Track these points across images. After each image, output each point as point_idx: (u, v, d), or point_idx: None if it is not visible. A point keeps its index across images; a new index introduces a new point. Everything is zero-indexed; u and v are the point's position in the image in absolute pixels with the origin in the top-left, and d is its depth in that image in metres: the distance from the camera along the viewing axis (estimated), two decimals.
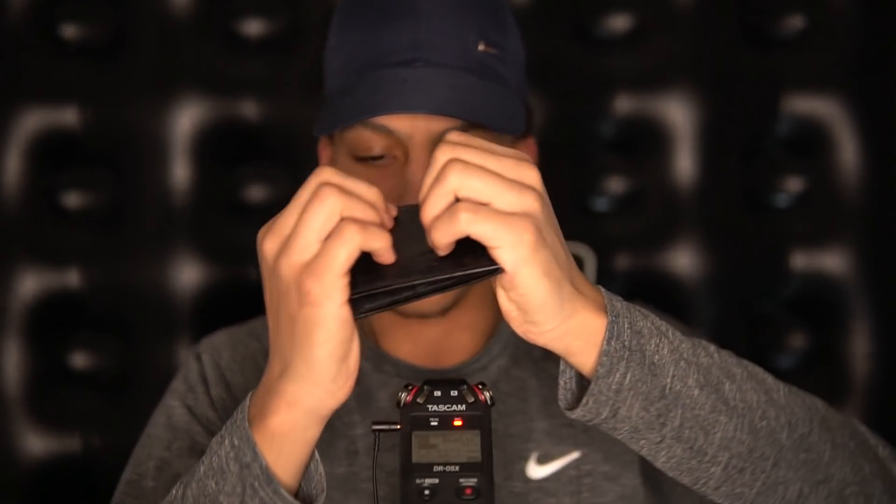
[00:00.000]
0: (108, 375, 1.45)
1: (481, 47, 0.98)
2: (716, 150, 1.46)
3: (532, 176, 0.70)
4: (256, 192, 1.45)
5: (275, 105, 1.46)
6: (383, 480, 0.93)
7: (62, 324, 1.45)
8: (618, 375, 0.73)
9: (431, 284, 0.70)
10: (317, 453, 0.75)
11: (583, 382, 0.76)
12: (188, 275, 1.46)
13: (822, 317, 1.45)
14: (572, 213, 1.47)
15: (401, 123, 0.95)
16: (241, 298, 1.45)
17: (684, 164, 1.46)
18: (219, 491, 0.74)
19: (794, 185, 1.45)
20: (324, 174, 0.72)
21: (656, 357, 0.74)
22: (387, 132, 0.96)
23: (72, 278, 1.45)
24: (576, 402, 0.76)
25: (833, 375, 1.45)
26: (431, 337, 1.05)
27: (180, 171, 1.46)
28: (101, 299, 1.45)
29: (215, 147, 1.46)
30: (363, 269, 0.69)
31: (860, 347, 1.44)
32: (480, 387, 0.74)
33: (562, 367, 0.76)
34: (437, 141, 0.94)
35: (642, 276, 1.46)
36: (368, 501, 0.96)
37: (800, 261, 1.45)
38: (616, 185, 1.46)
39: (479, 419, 0.72)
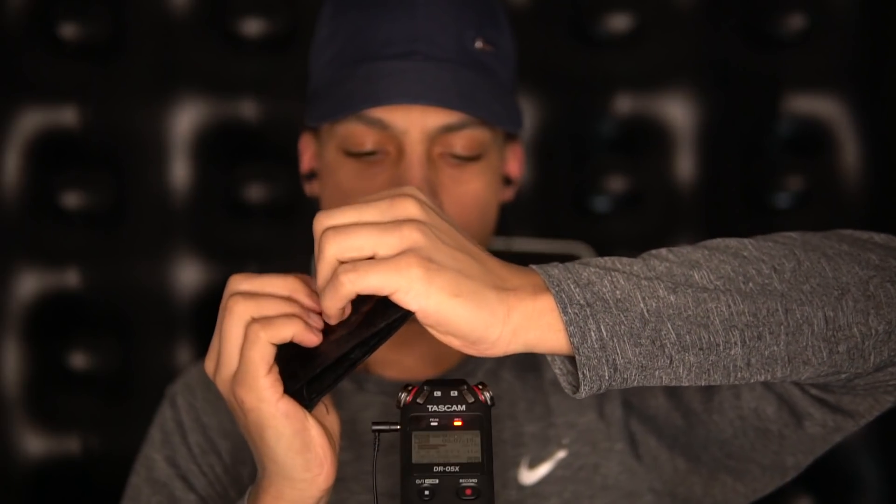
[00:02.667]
0: (108, 376, 1.45)
1: (479, 44, 0.96)
2: (716, 149, 1.46)
3: (408, 206, 0.68)
4: (256, 192, 1.45)
5: (274, 104, 1.46)
6: (381, 483, 0.93)
7: (61, 324, 1.45)
8: (593, 333, 0.69)
9: (359, 349, 0.71)
10: None
11: (571, 359, 0.73)
12: (187, 275, 1.45)
13: None
14: (572, 213, 1.47)
15: (397, 117, 0.93)
16: None
17: (684, 164, 1.46)
18: None
19: (794, 184, 1.45)
20: (233, 283, 0.73)
21: (617, 293, 0.70)
22: (381, 126, 0.93)
23: (71, 278, 1.44)
24: (575, 380, 0.74)
25: None
26: (414, 349, 1.02)
27: (179, 171, 1.45)
28: (101, 299, 1.45)
29: (214, 147, 1.46)
30: (299, 357, 0.71)
31: None
32: (480, 387, 0.74)
33: (548, 358, 0.74)
34: (433, 137, 0.93)
35: None
36: None
37: None
38: (616, 185, 1.46)
39: (479, 419, 0.72)
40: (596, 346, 0.69)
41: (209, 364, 0.73)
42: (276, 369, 0.71)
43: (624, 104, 1.46)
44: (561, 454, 0.98)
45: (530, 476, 0.98)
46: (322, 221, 0.69)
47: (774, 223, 1.45)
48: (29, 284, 1.44)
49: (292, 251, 1.44)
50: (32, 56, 1.44)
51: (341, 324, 0.71)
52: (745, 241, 0.80)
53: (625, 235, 1.46)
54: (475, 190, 0.96)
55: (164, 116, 1.45)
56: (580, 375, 0.70)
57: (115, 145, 1.46)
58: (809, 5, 1.45)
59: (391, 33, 0.94)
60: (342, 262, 0.67)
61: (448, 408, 0.73)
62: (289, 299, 0.72)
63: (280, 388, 0.70)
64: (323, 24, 1.01)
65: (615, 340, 0.70)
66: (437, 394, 0.73)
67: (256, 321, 0.70)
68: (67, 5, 1.44)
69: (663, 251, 0.75)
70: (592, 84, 1.47)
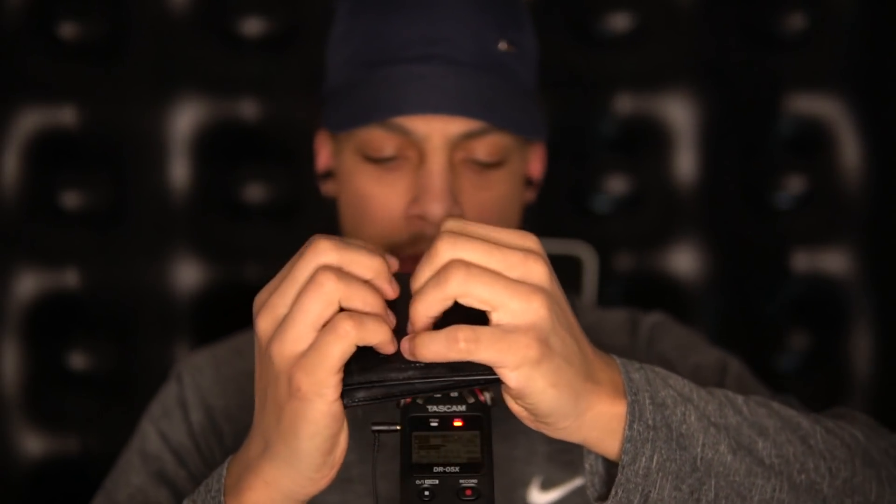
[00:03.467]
0: (106, 376, 1.45)
1: (503, 46, 0.93)
2: (716, 149, 1.46)
3: (539, 271, 0.65)
4: (255, 192, 1.45)
5: (273, 104, 1.46)
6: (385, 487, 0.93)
7: (60, 324, 1.45)
8: (644, 459, 0.68)
9: (429, 384, 0.67)
10: None
11: (607, 463, 0.72)
12: (187, 275, 1.45)
13: (823, 317, 1.45)
14: (572, 213, 1.47)
15: (418, 124, 0.91)
16: (239, 298, 1.44)
17: (685, 163, 1.46)
18: None
19: (795, 184, 1.45)
20: (321, 249, 0.67)
21: (683, 427, 0.68)
22: (402, 132, 0.91)
23: (70, 278, 1.44)
24: (602, 485, 0.72)
25: (834, 376, 1.44)
26: None
27: (179, 171, 1.45)
28: (100, 299, 1.44)
29: (214, 146, 1.46)
30: (358, 356, 0.67)
31: (861, 348, 1.44)
32: (480, 388, 0.74)
33: (584, 451, 0.72)
34: (454, 143, 0.91)
35: (642, 277, 1.45)
36: None
37: (801, 261, 1.45)
38: (616, 184, 1.46)
39: (480, 420, 0.72)
40: (641, 472, 0.68)
41: (265, 323, 0.67)
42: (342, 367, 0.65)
43: (624, 104, 1.46)
44: (578, 482, 0.95)
45: (541, 498, 0.95)
46: (450, 247, 0.64)
47: (775, 223, 1.45)
48: (28, 284, 1.44)
49: (292, 251, 1.44)
50: (32, 56, 1.44)
51: (404, 331, 0.67)
52: (817, 426, 0.75)
53: (625, 235, 1.46)
54: (498, 196, 0.95)
55: (163, 116, 1.45)
56: (612, 491, 0.69)
57: (115, 145, 1.45)
58: (809, 5, 1.45)
59: (410, 34, 0.92)
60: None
61: (448, 408, 0.72)
62: (370, 283, 0.66)
63: (340, 388, 0.65)
64: (340, 20, 0.98)
65: (660, 475, 0.68)
66: (437, 394, 0.73)
67: (347, 314, 0.64)
68: (67, 5, 1.44)
69: (740, 399, 0.73)
70: (593, 83, 1.47)
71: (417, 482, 0.69)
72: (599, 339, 0.99)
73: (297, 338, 0.65)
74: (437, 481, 0.69)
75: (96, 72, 1.45)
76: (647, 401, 0.68)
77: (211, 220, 1.46)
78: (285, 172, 1.46)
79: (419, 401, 0.72)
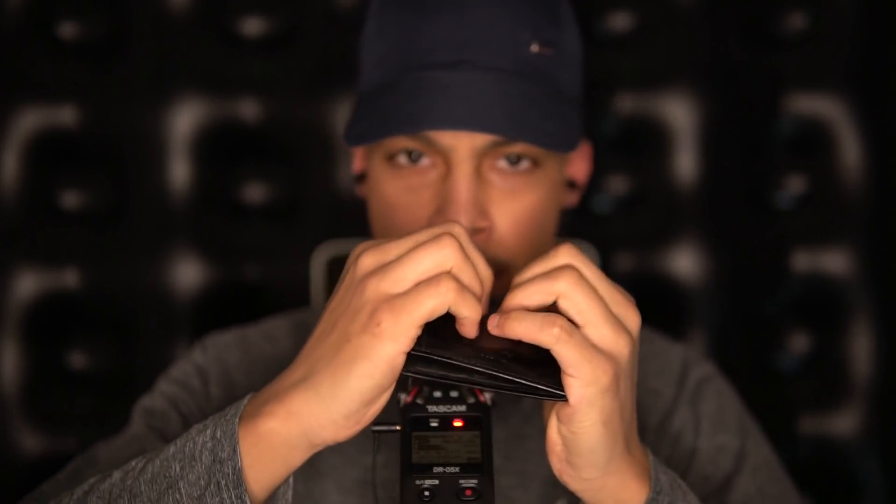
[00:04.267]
0: (106, 376, 1.45)
1: (535, 48, 0.89)
2: (717, 149, 1.46)
3: (633, 321, 0.68)
4: (255, 192, 1.45)
5: (274, 104, 1.46)
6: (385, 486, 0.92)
7: (60, 324, 1.45)
8: None
9: (490, 379, 0.68)
10: (291, 480, 0.72)
11: None
12: (187, 275, 1.45)
13: (823, 317, 1.45)
14: (572, 212, 1.46)
15: (443, 136, 0.88)
16: (240, 298, 1.45)
17: (685, 163, 1.46)
18: (181, 476, 0.69)
19: (795, 184, 1.44)
20: (456, 228, 0.69)
21: None
22: (427, 143, 0.88)
23: (70, 278, 1.44)
24: None
25: (834, 376, 1.44)
26: None
27: (179, 171, 1.45)
28: (99, 299, 1.44)
29: (214, 147, 1.46)
30: (433, 330, 0.68)
31: (861, 348, 1.43)
32: (480, 388, 0.73)
33: None
34: (481, 154, 0.88)
35: (643, 277, 1.45)
36: None
37: (801, 261, 1.45)
38: (617, 184, 1.45)
39: (480, 420, 0.72)
40: None
41: (370, 259, 0.68)
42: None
43: (624, 104, 1.46)
44: None
45: None
46: (570, 255, 0.69)
47: (776, 223, 1.45)
48: (28, 284, 1.44)
49: (292, 251, 1.44)
50: (32, 56, 1.44)
51: (490, 325, 0.69)
52: None
53: (625, 235, 1.46)
54: (530, 203, 0.91)
55: (163, 116, 1.45)
56: None
57: (115, 145, 1.45)
58: (809, 5, 1.45)
59: (439, 38, 0.88)
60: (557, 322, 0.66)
61: (448, 408, 0.72)
62: (480, 281, 0.69)
63: (411, 344, 0.66)
64: (372, 16, 0.94)
65: None
66: (437, 394, 0.73)
67: (455, 280, 0.66)
68: (67, 5, 1.44)
69: None
70: (593, 83, 1.46)
71: (417, 482, 0.69)
72: (649, 379, 0.99)
73: (398, 279, 0.66)
74: (437, 481, 0.69)
75: (96, 72, 1.45)
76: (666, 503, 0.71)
77: (211, 220, 1.46)
78: (285, 172, 1.46)
79: (419, 401, 0.72)
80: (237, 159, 1.46)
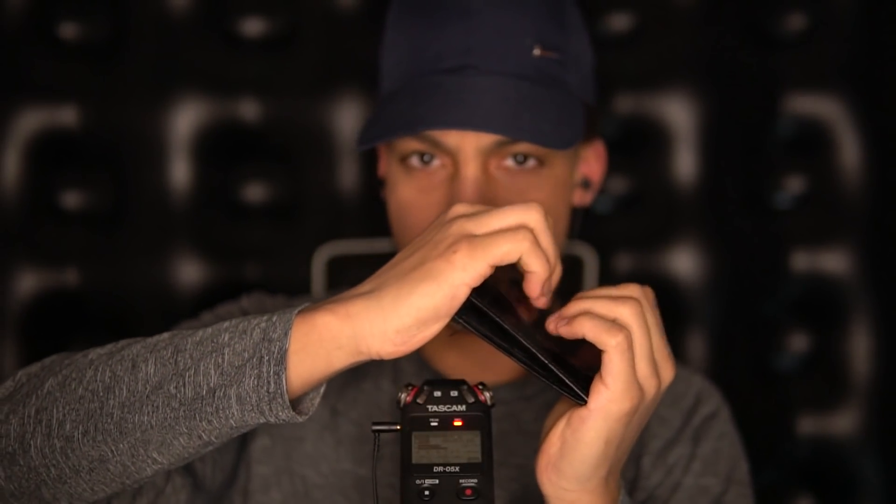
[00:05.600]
0: None
1: (537, 52, 0.93)
2: (716, 149, 1.46)
3: (668, 373, 0.75)
4: (255, 192, 1.45)
5: (274, 104, 1.46)
6: (386, 483, 0.93)
7: (60, 324, 1.45)
8: None
9: (527, 357, 0.72)
10: (323, 388, 0.74)
11: None
12: (187, 275, 1.45)
13: (822, 317, 1.45)
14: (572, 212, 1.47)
15: (448, 137, 0.91)
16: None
17: (685, 163, 1.46)
18: (228, 344, 0.72)
19: (794, 185, 1.45)
20: (540, 208, 0.74)
21: None
22: (435, 144, 0.92)
23: (70, 278, 1.44)
24: None
25: (833, 376, 1.44)
26: (478, 353, 0.98)
27: (179, 171, 1.45)
28: (100, 299, 1.44)
29: (214, 147, 1.46)
30: (498, 300, 0.72)
31: (860, 348, 1.44)
32: (481, 387, 0.74)
33: None
34: (486, 154, 0.92)
35: (642, 277, 1.45)
36: None
37: (800, 261, 1.45)
38: (616, 185, 1.46)
39: (480, 420, 0.72)
40: None
41: (464, 209, 0.74)
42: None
43: (624, 104, 1.46)
44: None
45: None
46: (641, 293, 0.75)
47: (775, 223, 1.45)
48: (28, 284, 1.44)
49: (292, 251, 1.44)
50: (32, 56, 1.44)
51: (549, 320, 0.74)
52: None
53: (625, 235, 1.46)
54: (537, 200, 0.93)
55: (164, 116, 1.45)
56: None
57: (115, 145, 1.45)
58: (809, 5, 1.45)
59: (445, 46, 0.93)
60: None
61: (448, 408, 0.72)
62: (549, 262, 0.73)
63: (478, 282, 0.70)
64: (388, 26, 0.99)
65: None
66: (437, 394, 0.73)
67: (533, 236, 0.71)
68: (67, 5, 1.44)
69: None
70: None
71: (417, 482, 0.69)
72: (660, 404, 1.02)
73: (483, 224, 0.72)
74: (437, 481, 0.69)
75: (97, 72, 1.45)
76: None
77: (211, 220, 1.46)
78: (285, 172, 1.46)
79: (419, 400, 0.73)
80: (237, 159, 1.46)
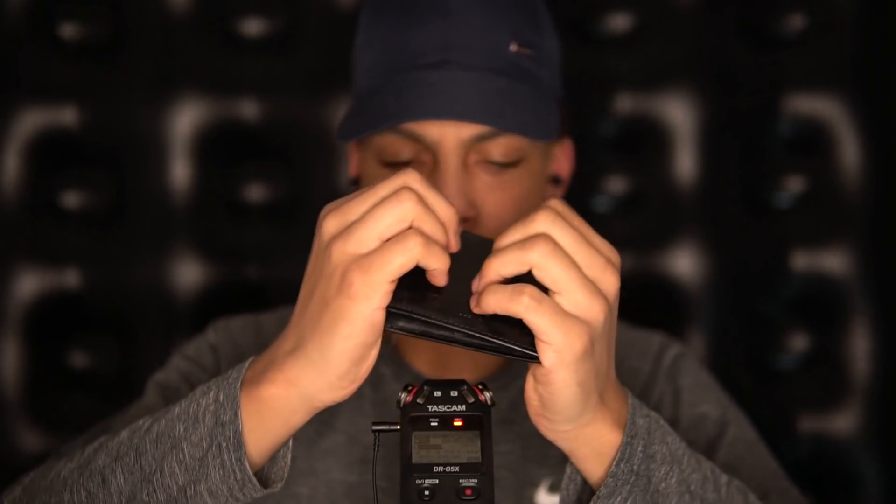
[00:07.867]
0: (107, 376, 1.45)
1: (513, 48, 0.95)
2: (716, 149, 1.46)
3: (610, 283, 0.70)
4: (256, 192, 1.45)
5: (274, 104, 1.46)
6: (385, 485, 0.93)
7: (61, 324, 1.45)
8: (619, 499, 0.73)
9: (468, 337, 0.70)
10: (290, 442, 0.75)
11: (584, 484, 0.76)
12: (187, 275, 1.45)
13: (822, 317, 1.45)
14: None
15: (429, 129, 0.93)
16: (240, 298, 1.45)
17: (685, 163, 1.46)
18: (185, 437, 0.73)
19: (794, 184, 1.45)
20: (410, 178, 0.69)
21: (662, 485, 0.73)
22: (415, 138, 0.93)
23: (71, 278, 1.44)
24: (575, 494, 0.76)
25: (833, 376, 1.44)
26: (453, 350, 1.00)
27: (179, 171, 1.45)
28: (100, 299, 1.45)
29: (215, 147, 1.46)
30: (411, 284, 0.69)
31: (860, 348, 1.44)
32: (480, 387, 0.74)
33: (568, 467, 0.76)
34: (467, 146, 0.93)
35: (642, 277, 1.45)
36: None
37: (800, 261, 1.45)
38: (616, 185, 1.46)
39: (480, 420, 0.72)
40: None
41: (333, 223, 0.69)
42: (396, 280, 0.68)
43: (624, 104, 1.46)
44: None
45: (548, 499, 0.97)
46: (547, 221, 0.69)
47: (775, 223, 1.45)
48: (28, 284, 1.44)
49: (292, 251, 1.44)
50: (32, 56, 1.44)
51: (457, 285, 0.70)
52: None
53: (624, 235, 1.46)
54: (515, 196, 0.96)
55: (164, 116, 1.45)
56: None
57: (115, 145, 1.46)
58: (809, 5, 1.45)
59: (424, 42, 0.94)
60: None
61: (448, 408, 0.73)
62: (443, 226, 0.70)
63: (387, 299, 0.68)
64: (361, 30, 1.00)
65: None
66: (437, 394, 0.73)
67: (419, 234, 0.67)
68: (67, 5, 1.44)
69: (724, 479, 0.79)
70: (592, 84, 1.47)
71: (417, 482, 0.69)
72: (629, 360, 1.03)
73: (362, 239, 0.67)
74: (437, 481, 0.69)
75: (96, 72, 1.45)
76: (640, 448, 0.73)
77: (211, 220, 1.46)
78: (285, 172, 1.46)
79: (419, 400, 0.73)
80: (238, 159, 1.46)
